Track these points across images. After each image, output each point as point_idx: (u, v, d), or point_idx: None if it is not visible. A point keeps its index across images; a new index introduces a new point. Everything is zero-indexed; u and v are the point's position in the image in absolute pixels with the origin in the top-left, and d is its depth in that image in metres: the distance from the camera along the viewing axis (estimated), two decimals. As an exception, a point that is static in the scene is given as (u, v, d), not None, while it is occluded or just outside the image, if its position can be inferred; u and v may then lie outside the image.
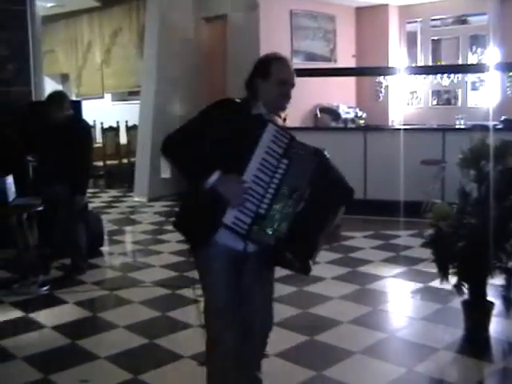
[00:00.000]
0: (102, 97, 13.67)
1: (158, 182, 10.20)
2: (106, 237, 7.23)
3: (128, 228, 8.37)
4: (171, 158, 2.86)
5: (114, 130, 12.15)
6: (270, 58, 2.93)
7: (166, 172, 10.14)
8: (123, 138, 12.22)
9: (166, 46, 10.15)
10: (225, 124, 2.73)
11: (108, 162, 11.87)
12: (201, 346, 4.21)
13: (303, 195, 2.68)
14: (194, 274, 5.81)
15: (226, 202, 2.63)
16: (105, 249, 6.99)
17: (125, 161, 11.93)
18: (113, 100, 13.99)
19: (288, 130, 2.79)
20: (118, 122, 12.18)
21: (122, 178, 11.75)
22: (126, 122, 12.18)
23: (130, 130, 12.00)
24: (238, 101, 2.90)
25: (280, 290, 5.38)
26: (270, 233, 2.65)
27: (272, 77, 2.86)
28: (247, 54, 9.51)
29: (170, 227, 7.96)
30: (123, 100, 13.78)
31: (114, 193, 11.23)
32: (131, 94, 13.37)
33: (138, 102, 11.05)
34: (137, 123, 11.09)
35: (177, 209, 2.97)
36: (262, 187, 2.67)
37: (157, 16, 10.21)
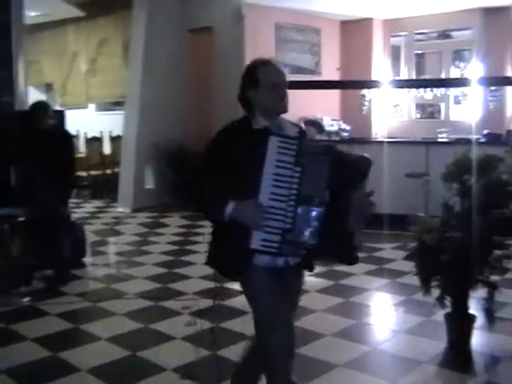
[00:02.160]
0: (87, 107, 13.63)
1: (142, 192, 10.17)
2: (89, 248, 7.18)
3: (111, 239, 8.33)
4: (188, 205, 2.90)
5: (98, 141, 12.11)
6: (256, 65, 2.85)
7: (149, 183, 10.12)
8: (107, 149, 12.19)
9: (152, 57, 10.16)
10: (229, 153, 2.69)
11: (92, 173, 11.81)
12: (184, 358, 4.24)
13: (324, 197, 2.64)
14: (178, 286, 5.87)
15: (247, 228, 2.62)
16: (88, 260, 6.95)
17: (109, 171, 11.89)
18: (97, 110, 13.95)
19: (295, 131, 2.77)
20: (101, 133, 12.13)
21: (106, 189, 11.70)
22: (110, 132, 12.15)
23: (115, 140, 11.97)
24: (236, 124, 2.84)
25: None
26: (303, 244, 2.65)
27: (262, 83, 2.78)
28: (232, 67, 9.55)
29: (154, 238, 8.03)
30: (107, 110, 13.74)
31: (97, 203, 11.18)
32: (116, 105, 13.34)
33: (122, 112, 11.03)
34: (121, 133, 11.06)
35: (208, 248, 2.94)
36: (282, 202, 2.63)
37: (142, 27, 10.23)
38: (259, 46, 10.07)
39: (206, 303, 5.40)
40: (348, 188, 2.69)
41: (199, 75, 10.48)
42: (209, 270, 6.86)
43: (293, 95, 9.68)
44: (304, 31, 11.28)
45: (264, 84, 2.78)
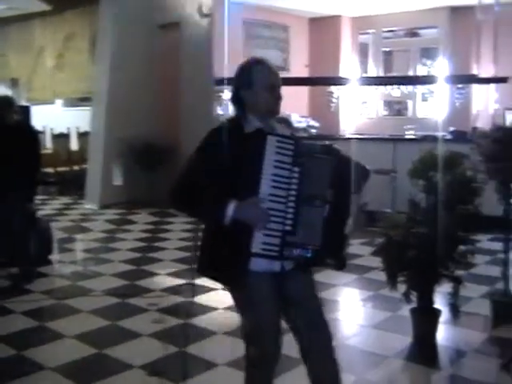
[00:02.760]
0: (53, 102, 13.47)
1: (109, 188, 10.09)
2: (55, 245, 7.10)
3: (78, 236, 8.24)
4: (183, 209, 2.77)
5: (65, 137, 11.97)
6: (250, 65, 2.76)
7: (117, 179, 10.04)
8: (75, 145, 12.06)
9: (120, 52, 10.06)
10: (223, 154, 2.57)
11: (59, 169, 11.68)
12: (151, 355, 4.22)
13: (326, 198, 2.58)
14: (145, 283, 5.84)
15: (248, 230, 2.53)
16: (54, 257, 6.86)
17: (76, 168, 11.77)
18: (64, 106, 13.79)
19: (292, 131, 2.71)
20: (69, 129, 12.00)
21: (73, 185, 11.57)
22: (78, 128, 12.02)
23: (82, 136, 11.85)
24: (227, 125, 2.72)
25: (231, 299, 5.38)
26: (304, 247, 2.57)
27: (257, 83, 2.70)
28: (200, 63, 9.53)
29: (122, 235, 7.97)
30: (75, 106, 13.58)
31: (64, 200, 11.05)
32: (83, 100, 13.19)
33: (89, 108, 10.92)
34: (89, 129, 10.95)
35: (197, 254, 2.82)
36: (281, 203, 2.56)
37: (110, 21, 10.13)
38: (228, 42, 10.04)
39: (173, 300, 5.40)
40: (349, 188, 2.67)
41: (168, 71, 10.41)
42: (176, 267, 6.89)
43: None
44: (272, 28, 11.30)
45: (259, 84, 2.70)
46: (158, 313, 5.07)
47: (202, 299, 5.37)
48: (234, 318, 4.82)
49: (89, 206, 10.12)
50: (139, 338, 4.55)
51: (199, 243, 2.82)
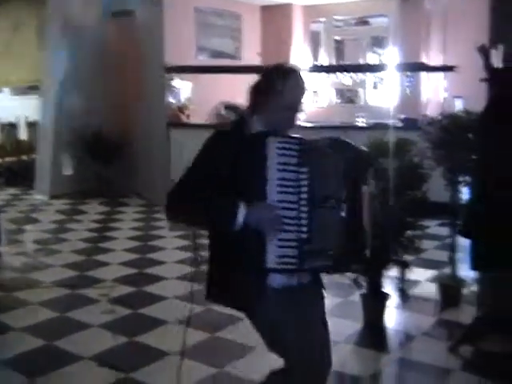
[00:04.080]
0: (1, 91, 13.15)
1: (59, 179, 9.91)
2: (3, 236, 6.95)
3: (28, 227, 8.09)
4: (182, 216, 2.51)
5: (14, 126, 11.72)
6: (279, 71, 2.45)
7: (67, 169, 9.88)
8: (23, 134, 11.81)
9: (69, 40, 9.86)
10: (225, 161, 2.35)
11: (7, 159, 11.42)
12: (101, 346, 4.18)
13: (341, 197, 2.35)
14: (96, 273, 5.78)
15: (261, 242, 2.29)
16: (2, 249, 6.73)
17: (25, 157, 11.52)
18: (12, 94, 13.46)
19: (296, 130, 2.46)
20: (17, 118, 11.75)
21: (22, 176, 11.33)
22: (27, 117, 11.78)
23: (31, 125, 11.61)
24: (228, 129, 2.50)
25: (183, 287, 5.36)
26: (324, 254, 2.36)
27: (277, 95, 2.40)
28: (152, 51, 9.41)
29: (72, 225, 7.85)
30: (23, 94, 13.27)
31: (13, 191, 10.81)
32: (32, 89, 12.90)
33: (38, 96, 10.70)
34: (38, 119, 10.73)
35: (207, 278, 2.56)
36: (292, 209, 2.31)
37: (59, 8, 9.92)
38: (179, 30, 9.96)
39: (124, 290, 5.36)
40: (360, 181, 2.46)
41: (119, 59, 10.25)
42: (128, 257, 6.82)
43: (213, 80, 9.72)
44: (224, 16, 11.23)
45: (279, 99, 2.41)
46: (108, 303, 5.02)
47: (152, 288, 5.34)
48: (185, 307, 4.85)
49: (38, 196, 9.92)
50: (89, 328, 4.50)
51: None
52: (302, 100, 2.47)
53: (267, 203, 2.32)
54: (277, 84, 2.41)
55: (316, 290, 2.61)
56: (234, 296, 2.42)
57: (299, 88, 2.47)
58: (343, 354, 4.14)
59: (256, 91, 2.48)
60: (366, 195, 2.45)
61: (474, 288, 4.76)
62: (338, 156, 2.39)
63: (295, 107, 2.46)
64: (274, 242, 2.30)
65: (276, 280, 2.39)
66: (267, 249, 2.30)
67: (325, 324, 2.61)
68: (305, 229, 2.31)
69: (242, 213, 2.29)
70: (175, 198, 2.42)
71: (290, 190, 2.32)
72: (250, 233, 2.31)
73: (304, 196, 2.32)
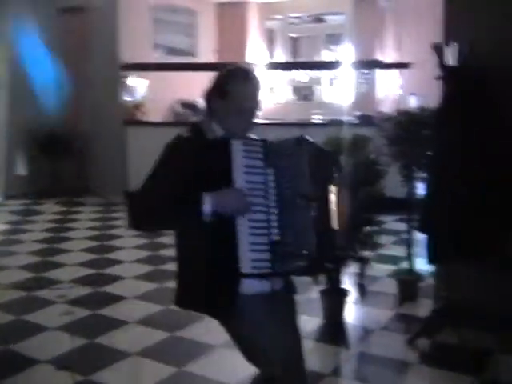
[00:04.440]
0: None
1: (14, 179, 9.71)
2: (-45, 238, 6.80)
3: (-19, 229, 7.92)
4: (152, 223, 2.41)
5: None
6: (229, 74, 2.42)
7: (21, 169, 9.71)
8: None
9: (19, 37, 9.66)
10: (189, 167, 2.29)
11: (-42, 159, 11.16)
12: (59, 348, 4.11)
13: (309, 196, 2.28)
14: (53, 274, 5.68)
15: (233, 246, 2.24)
16: (-46, 251, 6.58)
17: (-23, 158, 11.27)
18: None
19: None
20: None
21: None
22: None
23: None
24: (188, 135, 2.41)
25: (141, 286, 5.33)
26: (297, 255, 2.29)
27: (230, 99, 2.37)
28: (105, 49, 9.29)
29: (28, 226, 7.72)
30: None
31: (-35, 192, 10.58)
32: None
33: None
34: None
35: (175, 285, 2.51)
36: (262, 212, 2.28)
37: (8, 4, 9.70)
38: (134, 26, 9.85)
39: (82, 291, 5.29)
40: (327, 180, 2.41)
41: (72, 57, 10.09)
42: (85, 257, 6.73)
43: (169, 77, 9.66)
44: (179, 12, 11.15)
45: (232, 101, 2.37)
46: (66, 304, 4.94)
47: (111, 288, 5.29)
48: (144, 306, 4.83)
49: (-9, 197, 9.73)
50: (46, 331, 4.42)
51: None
52: (258, 100, 2.44)
53: (233, 187, 2.28)
54: (230, 88, 2.38)
55: (289, 296, 2.57)
56: (207, 303, 2.36)
57: (254, 89, 2.43)
58: (304, 350, 4.15)
59: (211, 96, 2.45)
60: (333, 193, 2.41)
61: (431, 281, 4.84)
62: (303, 155, 2.34)
63: (251, 109, 2.42)
64: (246, 247, 2.26)
65: (250, 286, 2.33)
66: (240, 254, 2.25)
67: (297, 330, 2.58)
68: (275, 231, 2.29)
69: (208, 200, 2.24)
70: (141, 209, 2.33)
71: (258, 192, 2.30)
72: (222, 237, 2.28)
73: (272, 198, 2.31)
